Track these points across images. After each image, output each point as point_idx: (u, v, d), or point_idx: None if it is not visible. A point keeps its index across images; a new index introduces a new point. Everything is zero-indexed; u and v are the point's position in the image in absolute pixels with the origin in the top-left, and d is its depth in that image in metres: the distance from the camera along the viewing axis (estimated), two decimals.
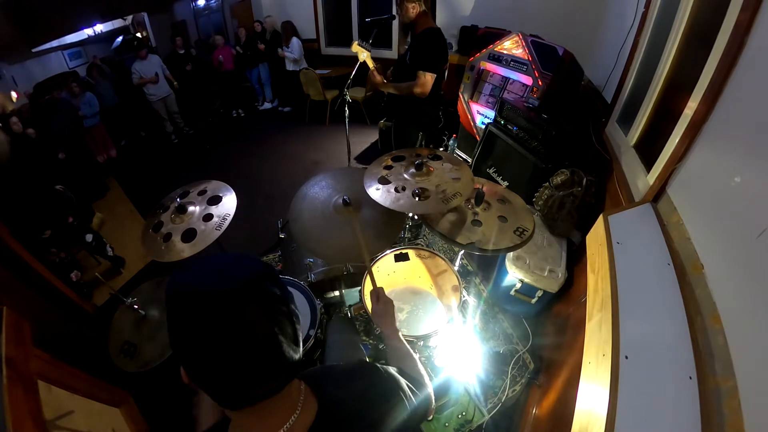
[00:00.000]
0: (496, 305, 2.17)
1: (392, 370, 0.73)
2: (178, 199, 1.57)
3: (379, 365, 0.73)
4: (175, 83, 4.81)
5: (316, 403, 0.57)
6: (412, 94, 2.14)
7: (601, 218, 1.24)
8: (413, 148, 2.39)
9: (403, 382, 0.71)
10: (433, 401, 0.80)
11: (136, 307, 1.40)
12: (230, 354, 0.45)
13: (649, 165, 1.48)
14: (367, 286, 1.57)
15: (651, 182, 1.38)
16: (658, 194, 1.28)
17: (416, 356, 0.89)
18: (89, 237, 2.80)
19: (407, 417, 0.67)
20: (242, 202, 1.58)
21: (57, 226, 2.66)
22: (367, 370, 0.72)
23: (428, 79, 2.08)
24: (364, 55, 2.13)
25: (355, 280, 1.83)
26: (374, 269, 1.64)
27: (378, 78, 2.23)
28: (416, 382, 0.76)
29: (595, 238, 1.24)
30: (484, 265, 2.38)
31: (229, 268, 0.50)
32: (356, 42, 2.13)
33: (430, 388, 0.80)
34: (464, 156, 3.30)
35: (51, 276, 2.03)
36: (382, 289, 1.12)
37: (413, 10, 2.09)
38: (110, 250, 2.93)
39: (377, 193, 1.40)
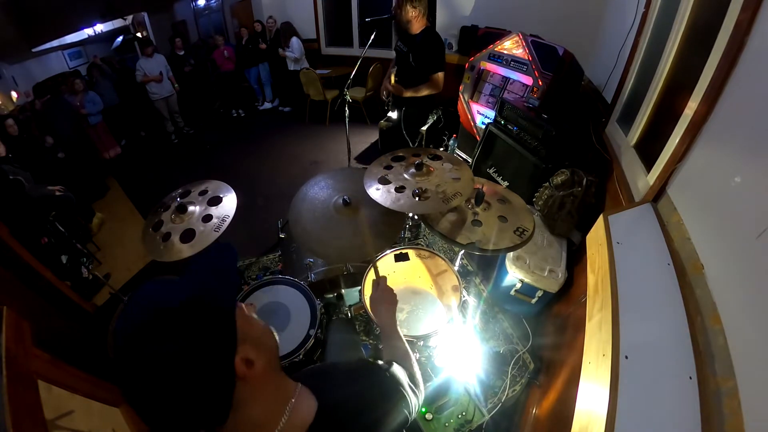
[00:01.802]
0: (496, 305, 2.17)
1: (395, 369, 0.71)
2: (178, 199, 1.57)
3: (381, 365, 0.72)
4: (176, 85, 4.82)
5: (316, 403, 0.57)
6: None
7: (601, 218, 1.24)
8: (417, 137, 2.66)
9: (405, 382, 0.70)
10: (420, 402, 0.79)
11: None
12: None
13: (649, 165, 1.48)
14: (369, 283, 1.57)
15: (651, 182, 1.38)
16: (658, 194, 1.28)
17: (413, 356, 0.87)
18: (64, 258, 2.66)
19: (406, 417, 0.66)
20: (242, 202, 1.59)
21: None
22: (369, 369, 0.71)
23: (441, 77, 2.39)
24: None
25: (355, 280, 1.83)
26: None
27: (399, 91, 2.49)
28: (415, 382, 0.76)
29: (595, 238, 1.24)
30: (484, 265, 2.38)
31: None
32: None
33: (421, 391, 0.79)
34: (464, 156, 3.30)
35: (51, 276, 2.03)
36: (385, 278, 1.09)
37: (413, 13, 2.22)
38: (85, 271, 2.76)
39: (377, 193, 1.40)
